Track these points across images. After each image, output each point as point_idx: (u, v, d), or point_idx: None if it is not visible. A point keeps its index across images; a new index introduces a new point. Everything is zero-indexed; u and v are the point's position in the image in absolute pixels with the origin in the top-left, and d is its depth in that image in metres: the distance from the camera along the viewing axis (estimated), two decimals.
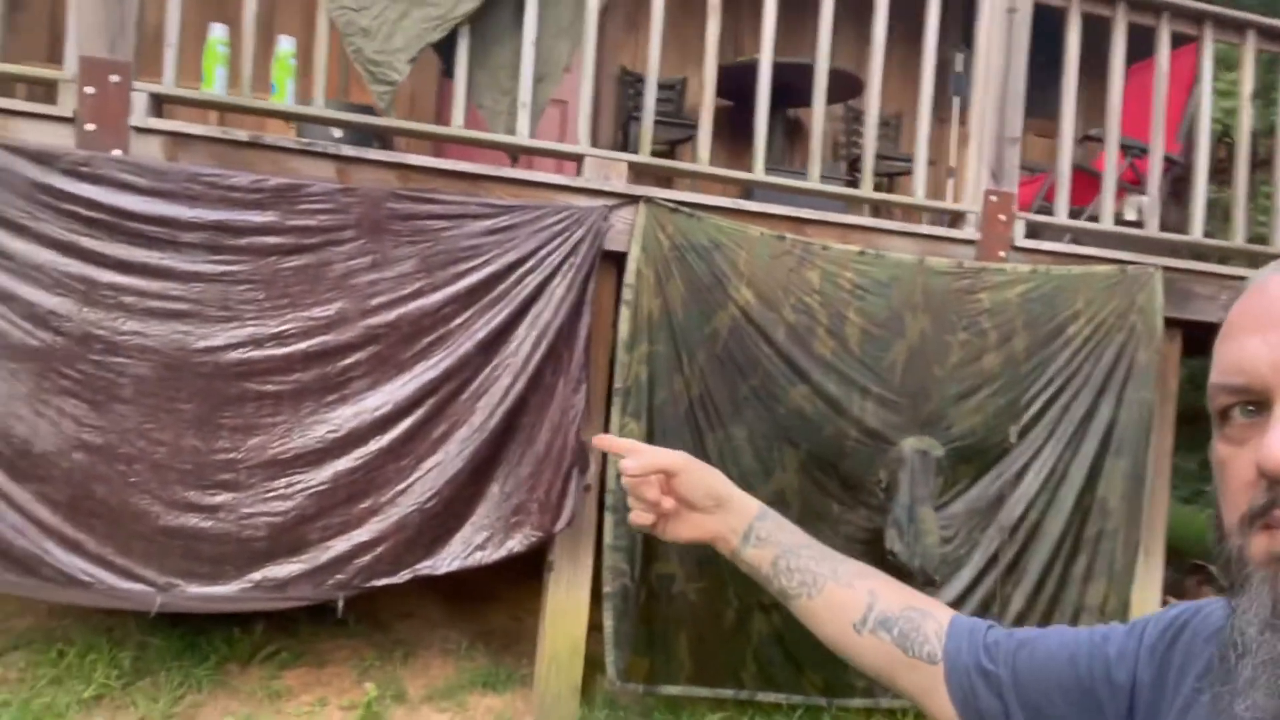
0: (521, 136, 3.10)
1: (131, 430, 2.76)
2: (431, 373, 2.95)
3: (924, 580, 3.30)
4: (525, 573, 3.71)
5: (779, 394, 3.18)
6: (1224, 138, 5.40)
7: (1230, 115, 4.33)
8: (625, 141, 5.19)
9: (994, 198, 3.40)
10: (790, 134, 5.46)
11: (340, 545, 2.92)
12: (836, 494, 3.27)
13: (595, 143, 3.22)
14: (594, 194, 3.10)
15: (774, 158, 3.98)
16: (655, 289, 3.08)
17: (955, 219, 3.51)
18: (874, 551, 3.27)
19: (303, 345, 2.86)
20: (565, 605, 3.27)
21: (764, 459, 3.19)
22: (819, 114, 3.31)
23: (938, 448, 3.31)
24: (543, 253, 3.02)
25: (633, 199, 3.09)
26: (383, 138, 3.48)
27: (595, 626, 3.29)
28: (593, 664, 3.37)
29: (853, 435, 3.23)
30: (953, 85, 5.21)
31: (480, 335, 2.96)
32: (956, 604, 3.39)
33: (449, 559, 3.03)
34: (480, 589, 4.25)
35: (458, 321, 2.96)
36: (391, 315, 2.92)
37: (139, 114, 2.83)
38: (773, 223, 3.20)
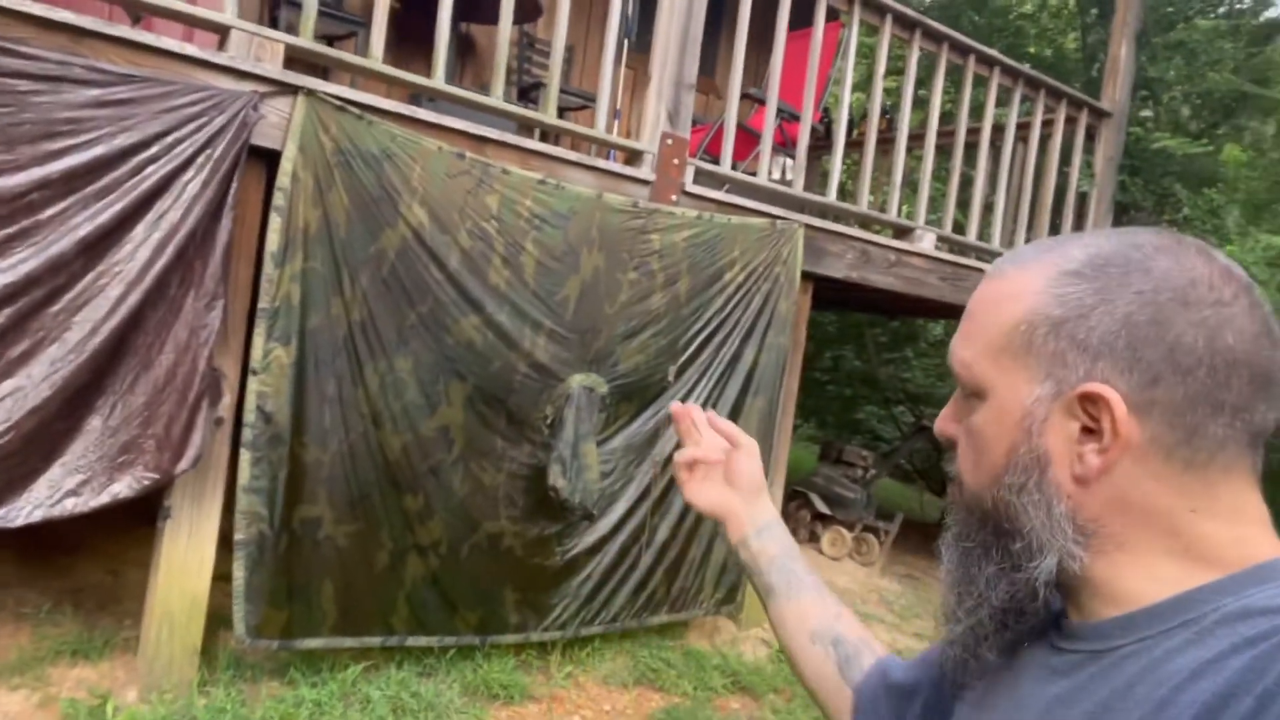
0: None
1: None
2: (9, 275, 2.32)
3: (583, 515, 3.33)
4: (126, 519, 3.16)
5: (449, 324, 2.97)
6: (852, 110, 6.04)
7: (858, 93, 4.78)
8: (274, 27, 4.53)
9: (669, 141, 3.44)
10: (461, 50, 5.14)
11: None
12: (502, 430, 3.15)
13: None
14: (240, 76, 2.61)
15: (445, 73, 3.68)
16: (314, 197, 2.69)
17: (631, 158, 3.51)
18: (536, 488, 3.22)
19: None
20: (184, 556, 2.82)
21: (429, 392, 2.98)
22: (505, 29, 3.09)
23: (603, 385, 3.32)
24: (170, 139, 2.49)
25: (290, 89, 2.65)
26: None
27: (221, 577, 2.89)
28: (216, 620, 2.97)
29: (522, 370, 3.13)
30: (622, 26, 5.24)
31: (82, 232, 2.37)
32: (610, 536, 3.48)
33: (28, 509, 2.45)
34: (66, 539, 3.56)
35: (50, 212, 2.35)
36: None
37: None
38: (451, 138, 2.94)
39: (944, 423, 0.73)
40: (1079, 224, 5.11)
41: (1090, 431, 0.63)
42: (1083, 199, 5.10)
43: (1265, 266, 4.26)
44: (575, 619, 3.48)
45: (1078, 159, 4.94)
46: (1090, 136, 5.06)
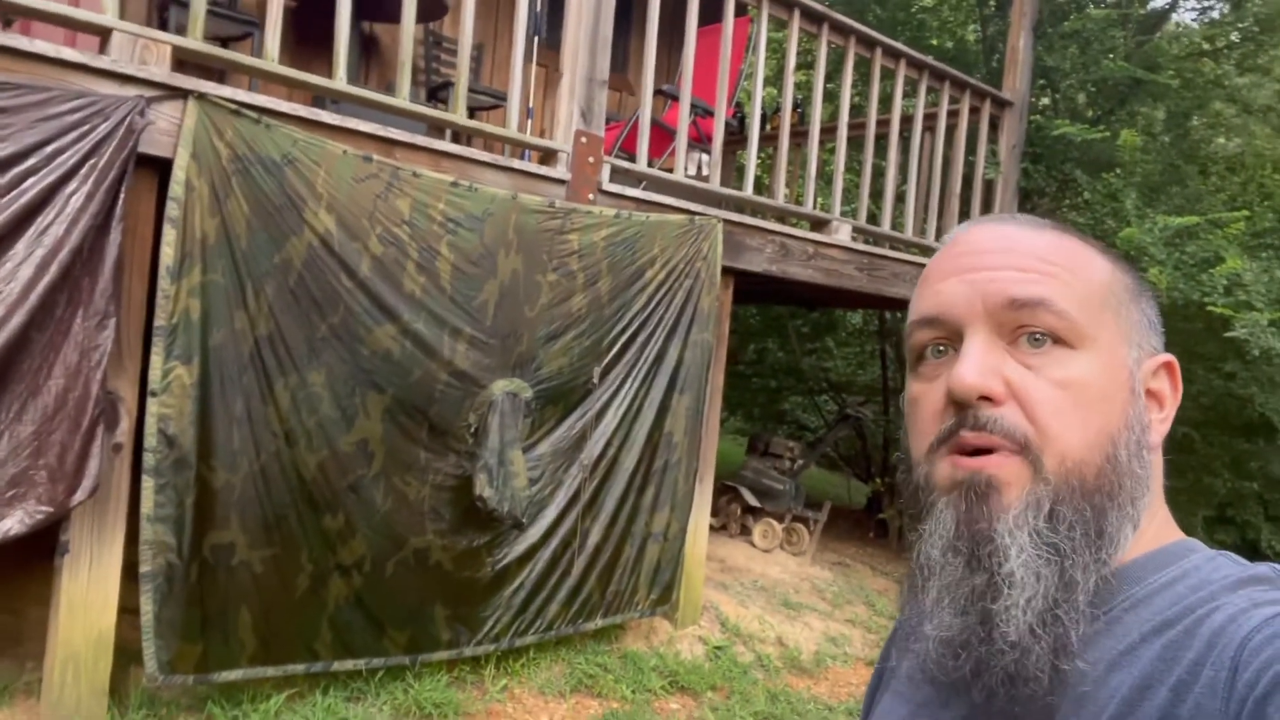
0: None
1: None
2: None
3: (512, 524, 3.26)
4: (26, 553, 2.95)
5: (362, 334, 2.86)
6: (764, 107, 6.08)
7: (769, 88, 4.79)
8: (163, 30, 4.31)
9: (584, 139, 3.39)
10: (365, 50, 4.99)
11: None
12: (424, 441, 3.05)
13: (125, 19, 2.54)
14: (124, 80, 2.46)
15: (348, 73, 3.55)
16: (211, 207, 2.55)
17: (546, 157, 3.44)
18: (462, 499, 3.13)
19: None
20: (87, 593, 2.65)
21: (344, 406, 2.86)
22: (408, 27, 2.99)
23: (527, 389, 3.25)
24: (50, 149, 2.33)
25: (179, 93, 2.51)
26: None
27: (130, 611, 2.72)
28: (127, 656, 2.80)
29: (443, 378, 3.03)
30: (531, 24, 5.16)
31: None
32: (541, 543, 3.41)
33: None
34: None
35: None
36: None
37: None
38: (357, 141, 2.83)
39: (988, 377, 0.60)
40: (987, 211, 5.24)
41: (1150, 399, 0.65)
42: (989, 186, 5.23)
43: (1164, 246, 4.43)
44: (509, 630, 3.40)
45: (983, 148, 5.06)
46: (994, 125, 5.19)
